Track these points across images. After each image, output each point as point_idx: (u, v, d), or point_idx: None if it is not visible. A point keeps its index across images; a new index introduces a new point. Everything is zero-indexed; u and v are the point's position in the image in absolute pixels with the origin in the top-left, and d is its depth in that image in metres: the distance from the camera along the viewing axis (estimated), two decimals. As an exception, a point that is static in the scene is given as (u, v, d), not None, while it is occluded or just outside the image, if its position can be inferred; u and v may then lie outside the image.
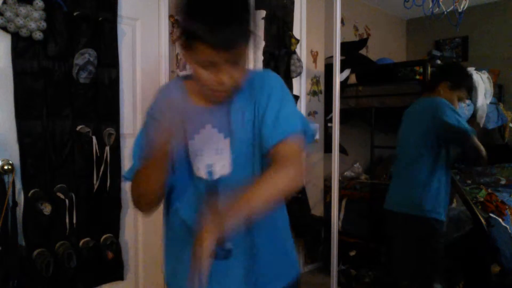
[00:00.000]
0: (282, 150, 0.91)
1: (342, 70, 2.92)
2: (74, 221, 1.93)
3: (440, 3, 2.47)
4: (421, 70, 2.92)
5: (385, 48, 4.41)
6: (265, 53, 2.72)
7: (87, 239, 1.99)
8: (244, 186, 0.86)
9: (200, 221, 0.82)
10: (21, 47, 1.78)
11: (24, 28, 1.74)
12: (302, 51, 3.01)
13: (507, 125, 3.88)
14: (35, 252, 1.82)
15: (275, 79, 1.00)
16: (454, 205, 2.86)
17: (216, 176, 0.96)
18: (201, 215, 0.86)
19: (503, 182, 3.48)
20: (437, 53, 3.78)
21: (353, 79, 3.44)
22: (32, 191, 1.82)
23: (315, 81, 3.14)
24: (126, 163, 2.17)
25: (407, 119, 2.22)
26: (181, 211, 1.00)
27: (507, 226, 2.70)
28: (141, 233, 2.29)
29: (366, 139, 3.23)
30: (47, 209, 1.81)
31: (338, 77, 2.14)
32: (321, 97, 3.18)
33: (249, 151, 0.97)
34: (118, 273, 2.12)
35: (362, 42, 3.70)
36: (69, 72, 1.89)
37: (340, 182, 3.08)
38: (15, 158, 1.79)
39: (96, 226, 2.03)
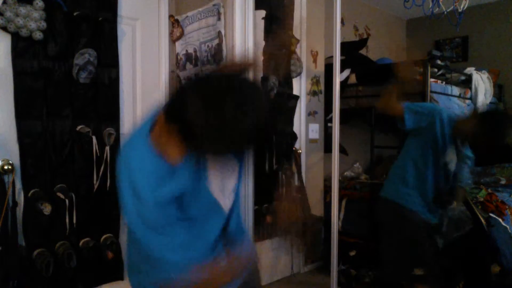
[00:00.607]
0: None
1: (342, 70, 2.92)
2: (74, 221, 1.93)
3: (440, 3, 2.47)
4: (421, 70, 2.92)
5: (385, 48, 4.41)
6: (265, 53, 2.71)
7: (87, 239, 1.99)
8: None
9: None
10: (21, 47, 1.78)
11: (24, 28, 1.74)
12: (302, 51, 3.01)
13: (507, 125, 3.87)
14: (35, 252, 1.82)
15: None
16: (454, 205, 2.86)
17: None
18: None
19: (503, 182, 3.47)
20: (437, 53, 3.77)
21: (353, 79, 3.43)
22: (32, 191, 1.82)
23: (315, 81, 3.14)
24: (126, 163, 2.17)
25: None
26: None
27: (507, 226, 2.70)
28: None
29: (366, 139, 3.22)
30: (47, 209, 1.81)
31: (338, 77, 2.14)
32: (321, 97, 3.18)
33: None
34: (118, 273, 2.12)
35: (362, 42, 3.70)
36: (69, 72, 1.89)
37: (340, 182, 3.07)
38: (15, 158, 1.79)
39: (96, 226, 2.03)
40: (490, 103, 3.51)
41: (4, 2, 1.70)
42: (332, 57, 2.22)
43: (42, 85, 1.84)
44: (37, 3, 1.76)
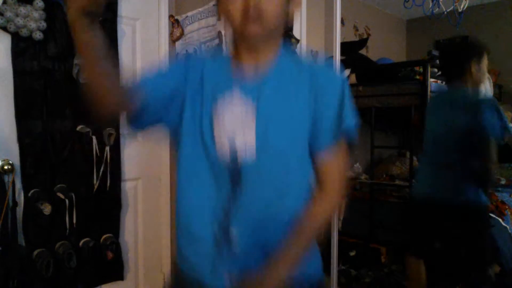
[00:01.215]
0: (330, 168, 0.88)
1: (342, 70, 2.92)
2: (74, 221, 1.93)
3: (440, 3, 2.47)
4: (421, 70, 2.92)
5: (385, 48, 4.41)
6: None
7: (87, 239, 1.99)
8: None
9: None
10: (21, 47, 1.78)
11: (24, 28, 1.74)
12: (302, 51, 3.01)
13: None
14: (35, 252, 1.82)
15: (346, 88, 0.90)
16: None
17: (240, 158, 0.83)
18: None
19: (503, 182, 3.47)
20: (437, 53, 3.77)
21: (353, 79, 3.43)
22: (32, 191, 1.82)
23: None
24: (126, 163, 2.17)
25: (438, 110, 2.17)
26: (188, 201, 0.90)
27: (507, 226, 2.70)
28: (141, 233, 2.29)
29: (366, 139, 3.22)
30: (47, 209, 1.81)
31: (338, 77, 2.14)
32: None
33: (283, 137, 0.85)
34: (118, 273, 2.12)
35: (362, 42, 3.69)
36: (69, 72, 1.89)
37: (340, 182, 3.07)
38: (15, 158, 1.79)
39: (96, 226, 2.03)
40: (490, 103, 3.50)
41: (4, 2, 1.70)
42: (332, 57, 2.21)
43: (42, 85, 1.84)
44: (37, 3, 1.76)
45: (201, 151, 0.87)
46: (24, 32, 1.74)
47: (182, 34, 2.43)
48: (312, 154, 0.88)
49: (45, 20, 1.79)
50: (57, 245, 1.89)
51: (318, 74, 0.88)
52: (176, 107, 0.92)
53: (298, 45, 2.98)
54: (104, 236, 2.06)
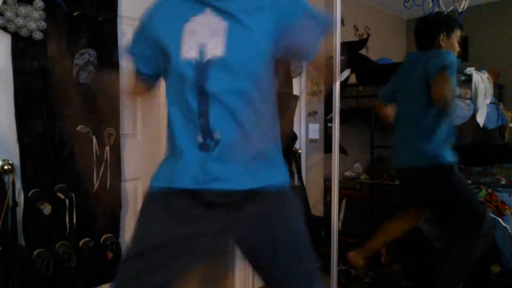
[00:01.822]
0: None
1: (342, 70, 2.92)
2: (74, 221, 1.93)
3: (440, 3, 2.48)
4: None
5: (385, 48, 4.41)
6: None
7: (87, 239, 1.99)
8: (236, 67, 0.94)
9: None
10: (21, 47, 1.78)
11: (24, 28, 1.74)
12: (302, 51, 3.01)
13: (507, 125, 3.88)
14: (35, 252, 1.82)
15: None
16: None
17: (208, 56, 0.93)
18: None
19: (503, 182, 3.48)
20: (437, 53, 3.76)
21: (353, 79, 3.44)
22: (32, 191, 1.82)
23: (315, 81, 3.14)
24: (126, 163, 2.17)
25: (405, 71, 2.27)
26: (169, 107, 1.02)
27: (507, 226, 2.70)
28: (141, 233, 2.29)
29: (366, 139, 3.23)
30: (47, 209, 1.81)
31: (338, 77, 2.14)
32: (321, 97, 3.18)
33: (247, 38, 0.95)
34: (118, 273, 2.12)
35: (362, 42, 3.70)
36: (69, 72, 1.89)
37: (340, 182, 3.07)
38: (15, 158, 1.79)
39: (96, 226, 2.03)
40: (490, 103, 3.51)
41: (4, 2, 1.70)
42: (332, 57, 2.22)
43: (42, 85, 1.84)
44: (37, 3, 1.76)
45: (172, 70, 0.98)
46: (24, 32, 1.74)
47: (182, 34, 2.43)
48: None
49: (45, 20, 1.79)
50: (57, 245, 1.89)
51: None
52: (160, 54, 1.03)
53: (298, 45, 2.98)
54: (104, 236, 2.06)
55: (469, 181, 3.52)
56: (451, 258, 2.09)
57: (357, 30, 4.18)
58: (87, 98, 1.97)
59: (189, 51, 0.93)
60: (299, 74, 2.93)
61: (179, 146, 0.96)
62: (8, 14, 1.70)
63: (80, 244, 1.97)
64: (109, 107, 2.06)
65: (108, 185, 2.04)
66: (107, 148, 2.03)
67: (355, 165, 3.79)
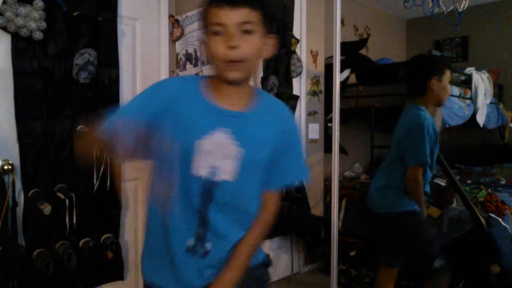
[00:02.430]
0: (274, 198, 1.08)
1: (342, 70, 2.92)
2: (74, 221, 1.93)
3: (440, 3, 2.47)
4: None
5: (385, 48, 4.41)
6: (265, 53, 2.71)
7: (87, 239, 1.99)
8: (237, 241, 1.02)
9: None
10: (21, 47, 1.78)
11: (24, 28, 1.74)
12: (302, 51, 3.01)
13: (507, 125, 3.88)
14: (35, 252, 1.82)
15: (295, 123, 1.14)
16: (454, 205, 2.86)
17: (217, 178, 0.96)
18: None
19: (503, 182, 3.47)
20: (437, 53, 3.77)
21: (353, 79, 3.43)
22: (32, 191, 1.82)
23: (315, 81, 3.13)
24: (126, 163, 2.17)
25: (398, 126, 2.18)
26: (168, 213, 1.00)
27: (507, 226, 2.70)
28: (141, 233, 2.29)
29: (366, 139, 3.22)
30: (47, 209, 1.81)
31: (338, 77, 2.14)
32: (321, 97, 3.18)
33: (257, 168, 1.01)
34: (118, 273, 2.12)
35: (362, 42, 3.70)
36: (69, 72, 1.89)
37: (340, 182, 3.07)
38: (15, 158, 1.79)
39: (96, 226, 2.03)
40: (490, 103, 3.51)
41: (4, 2, 1.70)
42: (332, 57, 2.22)
43: (42, 85, 1.84)
44: (37, 3, 1.76)
45: (176, 173, 0.96)
46: (24, 32, 1.74)
47: (182, 34, 2.43)
48: (263, 185, 1.05)
49: (45, 20, 1.79)
50: (57, 245, 1.89)
51: (273, 107, 1.07)
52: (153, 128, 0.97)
53: (298, 45, 2.98)
54: (104, 236, 2.06)
55: (469, 181, 3.52)
56: None
57: (357, 30, 4.18)
58: (87, 98, 1.97)
59: (200, 170, 0.96)
60: (299, 74, 2.93)
61: (170, 245, 1.01)
62: (8, 14, 1.70)
63: (80, 244, 1.97)
64: (109, 107, 2.06)
65: (108, 185, 2.04)
66: (107, 148, 2.03)
67: (355, 165, 3.79)
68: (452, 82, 3.22)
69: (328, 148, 2.71)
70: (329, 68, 2.88)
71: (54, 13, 1.82)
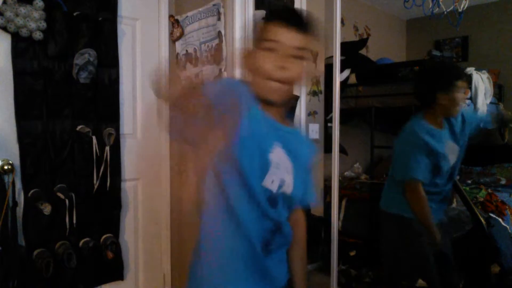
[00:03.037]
0: (301, 215, 1.16)
1: (342, 70, 2.92)
2: (74, 221, 1.93)
3: (440, 3, 2.47)
4: (421, 70, 2.92)
5: (385, 48, 4.40)
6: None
7: (87, 239, 1.99)
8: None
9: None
10: (21, 47, 1.78)
11: (24, 28, 1.74)
12: (302, 51, 3.01)
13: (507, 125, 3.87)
14: (35, 252, 1.82)
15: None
16: (454, 205, 2.86)
17: (282, 190, 1.01)
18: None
19: (503, 182, 3.47)
20: (437, 53, 3.77)
21: (353, 79, 3.43)
22: (32, 191, 1.82)
23: (315, 81, 3.13)
24: (126, 163, 2.17)
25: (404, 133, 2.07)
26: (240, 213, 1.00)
27: (507, 226, 2.70)
28: (141, 233, 2.29)
29: (366, 139, 3.22)
30: (47, 209, 1.81)
31: (338, 77, 2.14)
32: (321, 97, 3.18)
33: (302, 178, 1.07)
34: (118, 273, 2.12)
35: (362, 42, 3.69)
36: (69, 72, 1.89)
37: (340, 182, 3.07)
38: (15, 158, 1.79)
39: (96, 226, 2.03)
40: (490, 103, 3.50)
41: (4, 2, 1.70)
42: (332, 57, 2.22)
43: (42, 85, 1.84)
44: (37, 3, 1.76)
45: (244, 186, 0.96)
46: (24, 32, 1.74)
47: (182, 34, 2.43)
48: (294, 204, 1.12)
49: (45, 20, 1.79)
50: (57, 245, 1.89)
51: (310, 160, 1.13)
52: None
53: (298, 45, 2.98)
54: (104, 236, 2.06)
55: (469, 181, 3.52)
56: None
57: (357, 30, 4.17)
58: (87, 98, 1.97)
59: (271, 183, 0.98)
60: (299, 74, 2.93)
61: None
62: (8, 14, 1.70)
63: (80, 244, 1.97)
64: (109, 107, 2.06)
65: (108, 185, 2.04)
66: (107, 148, 2.03)
67: (355, 165, 3.79)
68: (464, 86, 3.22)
69: (328, 148, 2.70)
70: (329, 68, 2.88)
71: (54, 13, 1.82)
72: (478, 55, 4.35)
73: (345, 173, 3.70)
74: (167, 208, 2.38)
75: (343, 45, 2.46)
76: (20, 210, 1.80)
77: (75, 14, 1.90)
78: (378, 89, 3.25)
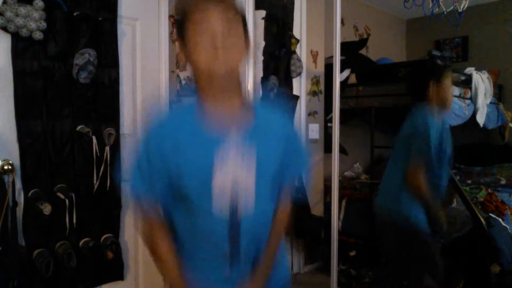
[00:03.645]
0: (286, 190, 1.09)
1: (342, 70, 2.92)
2: (74, 221, 1.93)
3: (440, 3, 2.47)
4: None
5: (385, 48, 4.41)
6: (265, 53, 2.71)
7: (87, 239, 1.99)
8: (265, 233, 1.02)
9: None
10: (21, 47, 1.78)
11: (24, 28, 1.74)
12: (302, 51, 3.01)
13: (507, 125, 3.88)
14: (35, 252, 1.82)
15: (296, 131, 1.15)
16: (454, 205, 2.86)
17: (239, 216, 0.94)
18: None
19: (503, 182, 3.48)
20: (437, 53, 3.77)
21: (353, 79, 3.44)
22: (32, 191, 1.82)
23: (315, 81, 3.14)
24: (126, 163, 2.17)
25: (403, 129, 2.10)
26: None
27: (507, 226, 2.70)
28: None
29: (366, 139, 3.22)
30: (47, 209, 1.81)
31: (338, 77, 2.14)
32: (321, 97, 3.18)
33: (270, 187, 1.00)
34: (118, 273, 2.12)
35: (362, 42, 3.70)
36: (69, 72, 1.89)
37: (340, 182, 3.07)
38: (15, 158, 1.79)
39: (96, 226, 2.03)
40: (490, 103, 3.51)
41: (4, 2, 1.70)
42: (332, 57, 2.22)
43: (42, 85, 1.84)
44: (37, 3, 1.76)
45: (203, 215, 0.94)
46: (24, 32, 1.74)
47: (182, 34, 2.42)
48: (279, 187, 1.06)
49: (45, 20, 1.79)
50: (57, 245, 1.89)
51: (271, 119, 1.02)
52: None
53: (298, 45, 2.99)
54: (104, 236, 2.06)
55: (469, 181, 3.52)
56: None
57: (357, 30, 4.18)
58: (87, 98, 1.97)
59: (220, 212, 0.93)
60: (299, 74, 2.93)
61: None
62: (8, 14, 1.70)
63: (80, 244, 1.97)
64: (109, 107, 2.06)
65: (108, 185, 2.04)
66: (107, 148, 2.03)
67: (355, 165, 3.79)
68: (452, 82, 3.22)
69: (328, 148, 2.71)
70: (329, 68, 2.88)
71: (54, 13, 1.82)
72: (478, 55, 4.35)
73: (345, 173, 3.70)
74: (167, 208, 2.38)
75: (343, 45, 2.46)
76: (20, 210, 1.80)
77: (75, 14, 1.90)
78: (378, 89, 3.26)
